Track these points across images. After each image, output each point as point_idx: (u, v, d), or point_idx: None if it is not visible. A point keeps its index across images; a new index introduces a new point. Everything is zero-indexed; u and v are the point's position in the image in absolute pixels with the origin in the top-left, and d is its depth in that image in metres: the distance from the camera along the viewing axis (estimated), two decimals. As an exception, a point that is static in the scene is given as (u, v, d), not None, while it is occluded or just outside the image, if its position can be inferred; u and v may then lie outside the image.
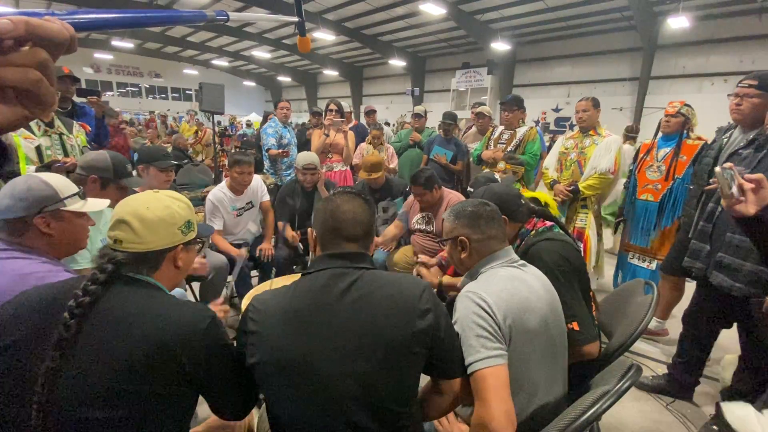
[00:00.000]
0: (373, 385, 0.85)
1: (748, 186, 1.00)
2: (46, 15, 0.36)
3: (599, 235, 3.05)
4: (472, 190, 2.11)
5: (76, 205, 1.19)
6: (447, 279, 1.90)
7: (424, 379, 1.00)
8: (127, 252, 0.85)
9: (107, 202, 1.33)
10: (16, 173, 1.72)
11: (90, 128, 2.81)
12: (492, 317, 0.99)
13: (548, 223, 1.46)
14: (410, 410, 0.93)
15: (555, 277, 1.27)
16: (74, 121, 2.49)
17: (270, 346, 0.85)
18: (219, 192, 2.68)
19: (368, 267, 0.94)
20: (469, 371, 0.97)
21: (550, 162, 3.16)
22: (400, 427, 0.90)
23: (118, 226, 0.86)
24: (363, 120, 4.84)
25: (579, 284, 1.33)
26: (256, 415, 1.26)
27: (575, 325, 1.25)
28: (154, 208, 0.89)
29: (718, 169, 1.00)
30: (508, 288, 1.06)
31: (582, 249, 2.79)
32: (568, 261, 1.32)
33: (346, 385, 0.84)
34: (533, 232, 1.43)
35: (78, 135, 2.44)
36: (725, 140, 2.02)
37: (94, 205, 1.27)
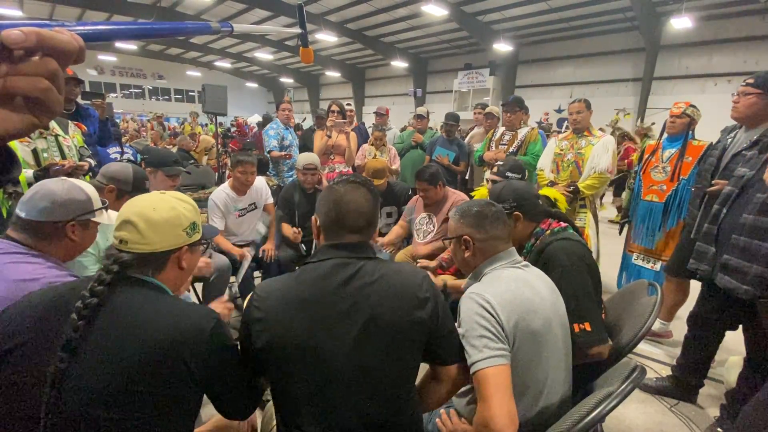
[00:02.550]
0: (374, 371, 0.88)
1: None
2: (56, 26, 0.36)
3: (597, 235, 3.05)
4: (501, 163, 2.20)
5: (102, 217, 1.23)
6: (451, 281, 1.91)
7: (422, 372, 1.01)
8: (132, 252, 0.85)
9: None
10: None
11: (86, 128, 2.77)
12: (495, 318, 1.00)
13: (563, 224, 1.47)
14: (410, 396, 0.96)
15: (572, 276, 1.28)
16: (69, 121, 2.45)
17: (274, 331, 0.86)
18: (222, 192, 2.69)
19: (370, 257, 0.95)
20: (471, 371, 0.98)
21: (544, 163, 3.16)
22: (401, 412, 0.93)
23: (123, 226, 0.86)
24: (373, 120, 4.81)
25: (593, 285, 1.34)
26: (259, 417, 1.27)
27: (587, 326, 1.24)
28: (160, 209, 0.89)
29: None
30: (512, 289, 1.06)
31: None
32: (585, 261, 1.34)
33: (349, 371, 0.86)
34: (548, 231, 1.44)
35: (74, 135, 2.39)
36: (729, 140, 2.03)
37: (113, 217, 1.29)
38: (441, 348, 0.98)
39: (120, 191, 1.73)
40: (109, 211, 1.29)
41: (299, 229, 2.76)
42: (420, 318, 0.91)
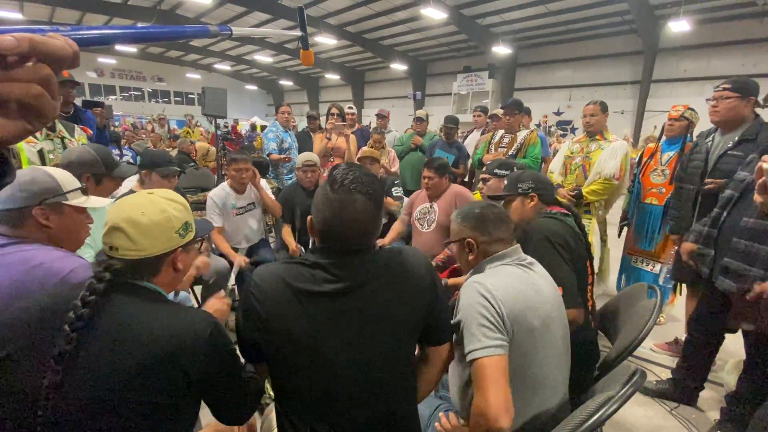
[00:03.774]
0: (374, 369, 0.88)
1: None
2: (51, 32, 0.36)
3: (603, 241, 3.03)
4: (489, 162, 2.36)
5: (78, 200, 1.18)
6: (452, 280, 1.93)
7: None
8: (124, 259, 0.82)
9: (108, 201, 1.32)
10: None
11: (91, 132, 2.82)
12: (495, 308, 1.00)
13: (565, 211, 1.56)
14: (412, 385, 0.98)
15: (550, 244, 1.38)
16: (75, 125, 2.49)
17: (274, 323, 0.85)
18: (220, 190, 2.68)
19: (368, 254, 0.91)
20: (468, 359, 0.98)
21: (555, 166, 3.15)
22: (405, 401, 0.94)
23: (112, 233, 0.82)
24: (374, 122, 4.82)
25: (571, 261, 1.41)
26: (258, 420, 1.26)
27: (560, 290, 1.27)
28: (150, 212, 0.85)
29: (767, 165, 0.96)
30: (514, 284, 1.07)
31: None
32: (565, 239, 1.42)
33: (348, 369, 0.86)
34: (548, 212, 1.55)
35: (80, 139, 2.42)
36: (710, 143, 2.14)
37: (97, 202, 1.25)
38: (437, 329, 0.99)
39: (96, 176, 1.66)
40: (92, 197, 1.25)
41: (299, 246, 2.74)
42: (423, 307, 0.92)
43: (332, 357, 0.85)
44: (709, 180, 2.00)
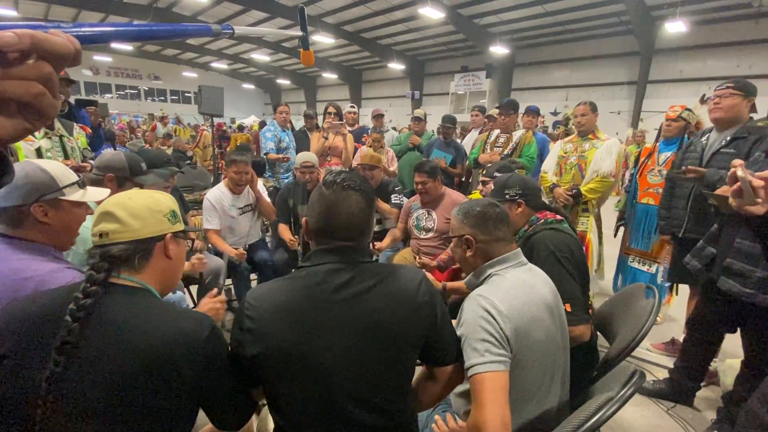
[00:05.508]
0: (373, 379, 0.87)
1: (758, 183, 0.98)
2: (52, 28, 0.35)
3: (600, 238, 3.04)
4: (490, 165, 2.35)
5: (75, 195, 1.16)
6: (450, 284, 1.91)
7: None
8: (116, 244, 0.82)
9: (107, 191, 1.30)
10: None
11: (90, 130, 2.82)
12: (499, 324, 0.98)
13: (559, 218, 1.55)
14: (408, 399, 0.96)
15: (556, 260, 1.36)
16: (74, 124, 2.50)
17: (268, 341, 0.83)
18: (217, 191, 2.66)
19: (365, 261, 0.92)
20: (469, 374, 0.97)
21: (548, 166, 3.16)
22: (400, 415, 0.92)
23: (102, 218, 0.83)
24: (369, 122, 4.83)
25: (577, 273, 1.40)
26: (255, 421, 1.25)
27: (568, 307, 1.28)
28: (137, 197, 0.88)
29: (740, 173, 0.97)
30: (519, 296, 1.05)
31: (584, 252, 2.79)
32: (571, 251, 1.41)
33: (347, 380, 0.85)
34: (542, 221, 1.53)
35: (78, 137, 2.45)
36: (705, 142, 2.18)
37: (94, 194, 1.23)
38: (439, 350, 0.98)
39: (119, 179, 1.71)
40: (90, 188, 1.23)
41: (297, 237, 2.73)
42: (419, 323, 0.90)
43: (330, 368, 0.84)
44: (691, 168, 2.03)
